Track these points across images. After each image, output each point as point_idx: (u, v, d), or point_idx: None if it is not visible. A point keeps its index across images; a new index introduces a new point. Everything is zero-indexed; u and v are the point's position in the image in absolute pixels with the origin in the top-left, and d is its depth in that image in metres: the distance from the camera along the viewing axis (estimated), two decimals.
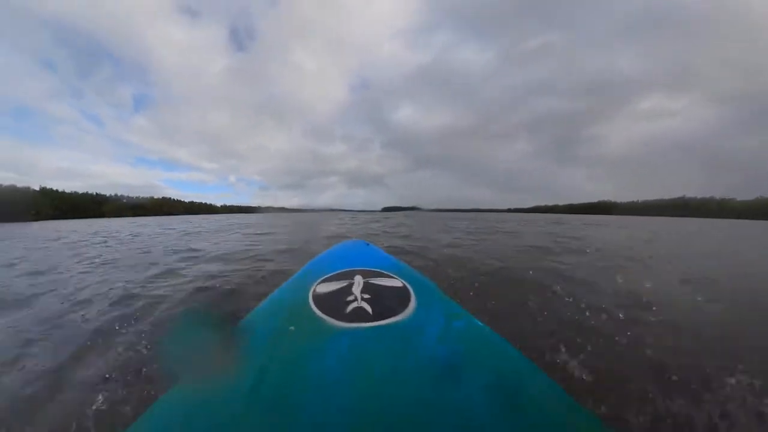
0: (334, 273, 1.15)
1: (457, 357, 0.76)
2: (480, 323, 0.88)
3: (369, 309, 0.91)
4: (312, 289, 1.04)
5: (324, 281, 1.09)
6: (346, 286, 1.04)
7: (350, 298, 0.96)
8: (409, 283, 1.04)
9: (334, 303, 0.95)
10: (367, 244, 1.55)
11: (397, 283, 1.05)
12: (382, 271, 1.13)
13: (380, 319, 0.87)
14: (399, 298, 0.97)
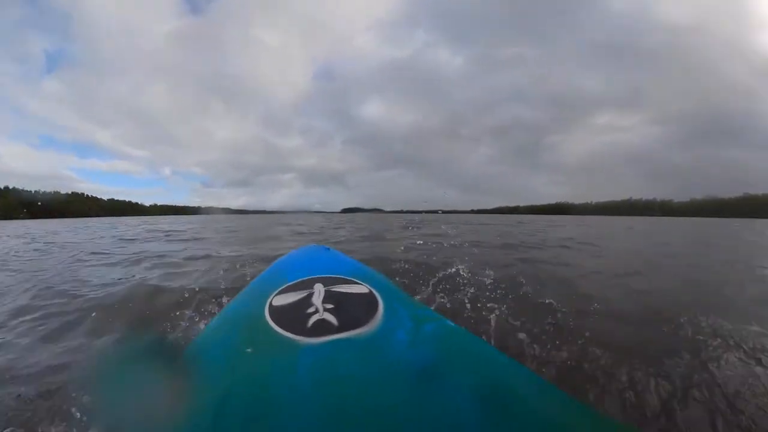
0: (292, 283, 1.04)
1: (436, 361, 0.71)
2: (454, 325, 0.83)
3: (333, 320, 0.83)
4: (268, 303, 0.93)
5: (281, 293, 0.99)
6: (305, 296, 0.94)
7: (311, 309, 0.87)
8: (376, 288, 0.97)
9: (293, 316, 0.85)
10: (328, 249, 1.45)
11: (362, 289, 0.97)
12: (345, 278, 1.04)
13: (347, 330, 0.79)
14: (366, 305, 0.89)
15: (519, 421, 0.58)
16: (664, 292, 2.87)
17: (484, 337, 1.56)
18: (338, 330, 0.79)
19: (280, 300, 0.94)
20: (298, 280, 1.05)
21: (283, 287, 1.02)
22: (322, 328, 0.79)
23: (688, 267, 4.40)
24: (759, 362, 1.49)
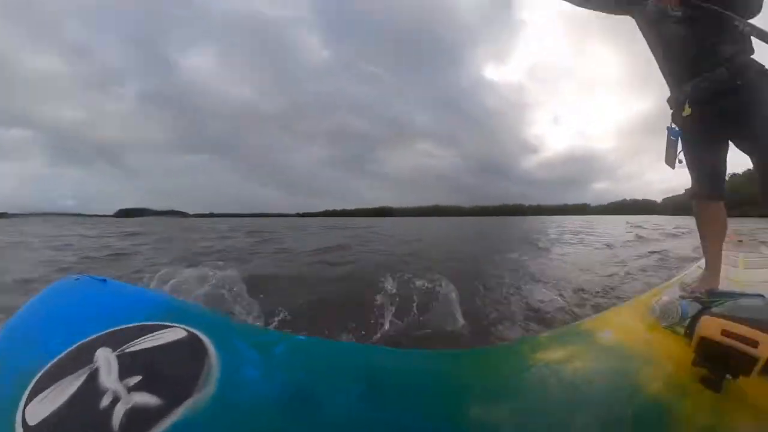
0: (54, 361, 0.69)
1: (302, 378, 0.64)
2: (304, 337, 0.75)
3: (150, 400, 0.60)
4: (19, 420, 0.58)
5: (39, 389, 0.63)
6: (86, 379, 0.64)
7: (105, 401, 0.59)
8: (195, 325, 0.75)
9: (76, 426, 0.57)
10: (104, 281, 0.95)
11: (176, 333, 0.73)
12: (145, 323, 0.76)
13: (176, 406, 0.59)
14: (189, 355, 0.69)
15: (397, 391, 0.61)
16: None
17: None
18: (163, 413, 0.58)
19: (43, 406, 0.60)
20: (64, 354, 0.70)
21: (40, 376, 0.66)
22: (137, 425, 0.56)
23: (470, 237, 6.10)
24: None
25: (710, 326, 0.83)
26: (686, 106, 1.40)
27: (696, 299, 1.22)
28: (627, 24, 1.57)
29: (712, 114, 1.38)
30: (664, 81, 1.56)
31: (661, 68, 1.56)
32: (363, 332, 1.79)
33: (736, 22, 1.21)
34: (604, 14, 1.64)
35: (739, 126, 1.36)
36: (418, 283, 2.27)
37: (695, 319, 1.05)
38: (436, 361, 0.82)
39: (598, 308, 2.31)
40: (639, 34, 1.56)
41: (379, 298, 2.08)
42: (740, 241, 3.39)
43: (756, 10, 1.28)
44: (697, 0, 1.27)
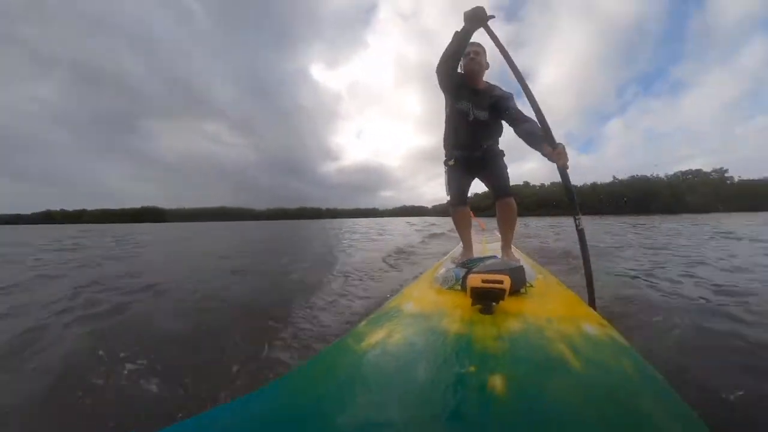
0: None
1: None
2: None
3: None
4: None
5: None
6: None
7: None
8: None
9: None
10: None
11: None
12: None
13: None
14: None
15: None
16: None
17: None
18: None
19: None
20: None
21: None
22: None
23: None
24: None
25: (475, 280, 1.15)
26: (453, 160, 2.28)
27: (462, 266, 1.63)
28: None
29: (467, 166, 2.29)
30: (442, 130, 2.35)
31: (445, 134, 2.32)
32: None
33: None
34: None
35: (483, 172, 2.31)
36: None
37: (465, 278, 1.42)
38: (286, 388, 0.75)
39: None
40: (438, 93, 2.24)
41: None
42: (483, 229, 6.18)
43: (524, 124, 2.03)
44: (483, 119, 2.12)
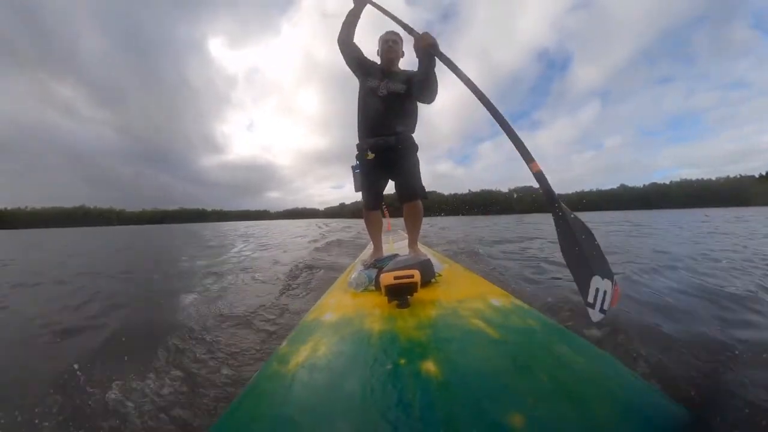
0: None
1: None
2: None
3: None
4: None
5: None
6: None
7: None
8: None
9: None
10: None
11: None
12: None
13: None
14: None
15: None
16: None
17: None
18: None
19: None
20: None
21: None
22: None
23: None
24: None
25: (387, 278, 1.17)
26: (369, 152, 2.09)
27: (372, 266, 1.65)
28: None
29: (383, 160, 2.12)
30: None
31: (358, 120, 2.20)
32: None
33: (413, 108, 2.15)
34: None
35: (393, 170, 2.16)
36: None
37: (377, 278, 1.44)
38: None
39: None
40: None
41: None
42: (389, 229, 6.32)
43: (431, 101, 2.08)
44: (394, 92, 2.05)
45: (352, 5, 2.09)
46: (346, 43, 2.14)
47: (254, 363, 1.54)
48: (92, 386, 1.35)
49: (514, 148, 1.39)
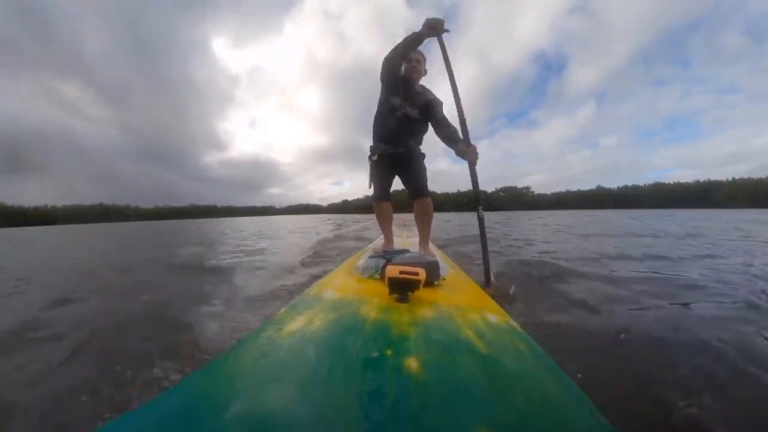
0: None
1: None
2: None
3: None
4: None
5: None
6: None
7: None
8: None
9: None
10: None
11: None
12: None
13: None
14: None
15: None
16: None
17: None
18: None
19: None
20: None
21: None
22: None
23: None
24: None
25: (393, 270, 1.20)
26: (376, 156, 2.31)
27: (381, 256, 1.68)
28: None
29: (390, 162, 2.33)
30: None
31: (374, 126, 2.39)
32: None
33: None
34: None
35: (402, 171, 2.37)
36: None
37: (384, 268, 1.47)
38: (204, 381, 0.68)
39: None
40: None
41: None
42: (404, 224, 6.34)
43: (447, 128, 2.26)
44: (410, 116, 2.24)
45: (419, 29, 2.00)
46: (394, 66, 2.16)
47: None
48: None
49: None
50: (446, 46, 2.06)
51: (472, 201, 2.13)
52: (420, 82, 2.36)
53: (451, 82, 2.05)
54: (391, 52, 2.08)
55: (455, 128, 2.17)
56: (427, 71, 2.37)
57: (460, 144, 2.08)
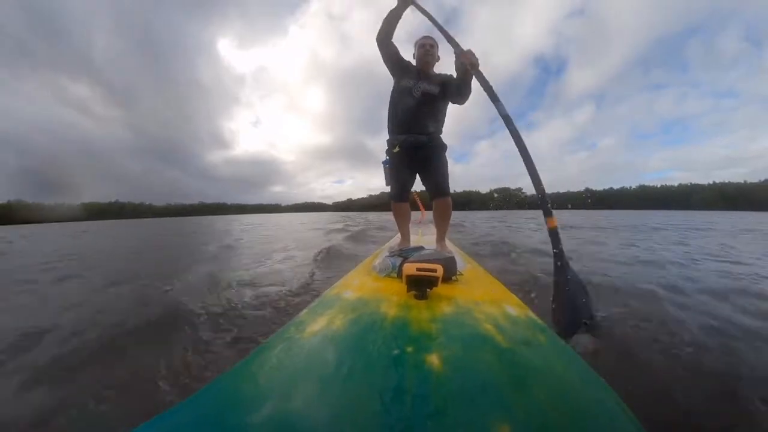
0: None
1: None
2: None
3: None
4: None
5: None
6: None
7: None
8: None
9: None
10: None
11: None
12: None
13: None
14: None
15: None
16: None
17: None
18: None
19: None
20: None
21: None
22: None
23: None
24: None
25: (410, 268, 1.21)
26: (397, 147, 2.18)
27: (398, 255, 1.69)
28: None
29: (410, 156, 2.20)
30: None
31: (389, 117, 2.28)
32: None
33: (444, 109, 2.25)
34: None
35: (423, 167, 2.24)
36: None
37: (401, 266, 1.49)
38: (231, 385, 0.71)
39: None
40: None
41: None
42: (419, 222, 6.63)
43: (464, 102, 2.19)
44: (429, 93, 2.13)
45: (394, 4, 2.09)
46: (386, 41, 2.19)
47: None
48: None
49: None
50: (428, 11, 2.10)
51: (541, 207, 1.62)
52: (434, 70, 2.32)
53: (447, 38, 2.05)
54: (379, 29, 2.18)
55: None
56: (440, 57, 2.35)
57: (457, 56, 1.98)
